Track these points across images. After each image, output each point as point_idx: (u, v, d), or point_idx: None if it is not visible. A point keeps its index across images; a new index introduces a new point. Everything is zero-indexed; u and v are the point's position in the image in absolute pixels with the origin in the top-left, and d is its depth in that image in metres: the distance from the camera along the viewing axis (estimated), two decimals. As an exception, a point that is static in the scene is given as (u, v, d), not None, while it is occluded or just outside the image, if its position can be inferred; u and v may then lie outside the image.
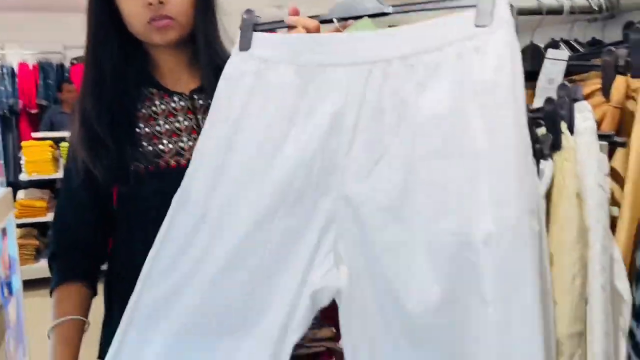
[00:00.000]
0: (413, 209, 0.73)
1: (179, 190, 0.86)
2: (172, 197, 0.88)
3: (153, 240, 0.89)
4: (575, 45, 1.06)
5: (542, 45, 1.05)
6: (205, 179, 0.84)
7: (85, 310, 1.06)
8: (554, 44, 1.04)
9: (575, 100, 0.81)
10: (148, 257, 0.86)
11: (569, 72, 0.99)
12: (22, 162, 4.49)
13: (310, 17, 0.87)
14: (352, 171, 0.77)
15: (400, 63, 0.75)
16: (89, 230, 1.09)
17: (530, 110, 0.83)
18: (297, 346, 2.19)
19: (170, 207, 0.86)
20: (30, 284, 2.66)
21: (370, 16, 0.82)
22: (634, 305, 0.79)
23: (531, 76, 1.07)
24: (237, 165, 0.84)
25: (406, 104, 0.74)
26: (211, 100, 0.88)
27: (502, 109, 0.69)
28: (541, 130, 0.83)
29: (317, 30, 0.86)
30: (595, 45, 1.07)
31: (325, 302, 0.79)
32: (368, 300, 0.77)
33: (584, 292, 0.79)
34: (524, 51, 1.02)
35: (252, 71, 0.83)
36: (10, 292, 2.26)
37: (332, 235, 0.79)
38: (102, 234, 1.10)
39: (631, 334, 0.77)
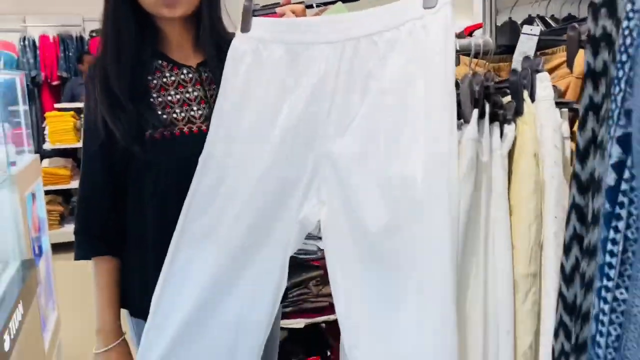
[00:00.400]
0: (373, 158, 0.93)
1: (205, 152, 1.03)
2: (184, 161, 1.05)
3: (168, 202, 1.09)
4: (549, 21, 1.15)
5: (519, 22, 1.15)
6: (222, 141, 1.03)
7: (118, 277, 1.20)
8: (529, 20, 1.14)
9: (537, 71, 0.92)
10: (187, 198, 1.04)
11: (542, 47, 1.08)
12: (45, 132, 4.68)
13: (296, 2, 1.04)
14: (331, 131, 0.96)
15: (366, 40, 0.93)
16: (110, 208, 1.18)
17: (497, 81, 0.94)
18: (304, 300, 2.34)
19: (199, 163, 1.03)
20: (55, 248, 2.83)
21: (343, 1, 1.01)
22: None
23: (510, 50, 1.17)
24: (245, 129, 1.02)
25: (371, 74, 0.92)
26: (214, 73, 1.05)
27: (437, 72, 0.87)
28: (507, 99, 0.95)
29: (303, 14, 1.03)
30: (569, 21, 1.16)
31: (310, 227, 1.02)
32: (342, 227, 0.97)
33: (538, 238, 0.91)
34: (502, 27, 1.13)
35: (251, 50, 0.99)
36: (41, 250, 2.45)
37: (316, 182, 0.99)
38: (120, 206, 1.20)
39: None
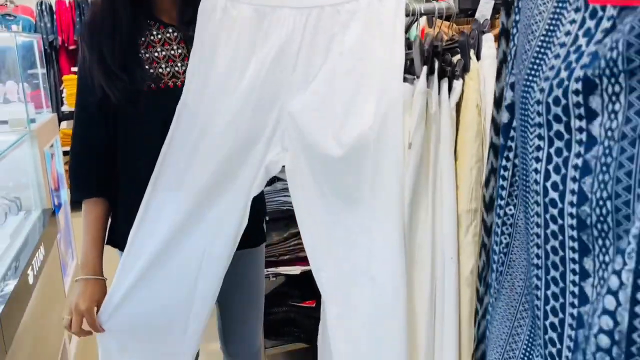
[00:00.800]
0: (331, 113, 1.07)
1: (180, 101, 1.14)
2: (170, 113, 1.15)
3: (155, 150, 1.18)
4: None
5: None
6: (194, 92, 1.14)
7: (105, 219, 1.31)
8: (490, -14, 1.25)
9: (483, 32, 1.04)
10: (164, 146, 1.15)
11: (498, 10, 1.20)
12: (63, 95, 4.86)
13: None
14: (294, 87, 1.10)
15: (330, 9, 1.06)
16: (105, 150, 1.27)
17: (447, 40, 1.07)
18: (300, 250, 2.50)
19: (176, 112, 1.14)
20: (73, 205, 2.99)
21: None
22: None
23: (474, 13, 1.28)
24: (215, 81, 1.13)
25: (333, 39, 1.07)
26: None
27: (389, 36, 1.01)
28: (457, 57, 1.07)
29: None
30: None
31: (275, 171, 1.15)
32: (303, 170, 1.12)
33: (479, 179, 1.05)
34: (466, -8, 1.24)
35: (221, 7, 1.11)
36: (60, 202, 2.64)
37: (279, 132, 1.14)
38: (114, 151, 1.28)
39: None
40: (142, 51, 1.23)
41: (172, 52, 1.24)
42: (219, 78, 1.12)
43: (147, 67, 1.22)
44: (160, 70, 1.23)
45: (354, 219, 1.09)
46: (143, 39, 1.24)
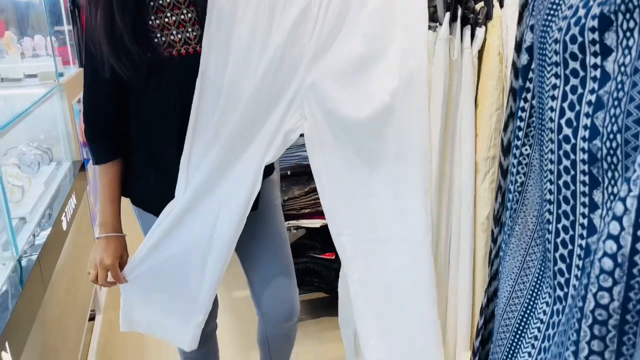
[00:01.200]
0: (351, 76, 1.08)
1: (200, 73, 1.15)
2: (182, 81, 1.17)
3: (170, 118, 1.21)
4: None
5: None
6: (215, 64, 1.15)
7: (120, 178, 1.34)
8: None
9: (507, -21, 1.04)
10: (190, 118, 1.19)
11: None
12: (87, 51, 4.89)
13: None
14: (314, 52, 1.11)
15: None
16: (118, 115, 1.27)
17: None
18: (320, 204, 2.56)
19: (197, 83, 1.16)
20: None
21: None
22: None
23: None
24: (237, 51, 1.14)
25: (351, 1, 1.07)
26: None
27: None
28: (480, 5, 1.08)
29: None
30: None
31: (293, 139, 1.18)
32: (324, 135, 1.15)
33: (498, 126, 1.07)
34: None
35: None
36: (88, 156, 2.72)
37: (299, 98, 1.15)
38: (125, 116, 1.29)
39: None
40: (152, 17, 1.19)
41: (182, 16, 1.20)
42: (240, 47, 1.12)
43: (158, 34, 1.19)
44: (172, 37, 1.19)
45: (377, 184, 1.11)
46: (152, 3, 1.20)
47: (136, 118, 1.28)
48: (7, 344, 1.14)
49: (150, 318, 1.41)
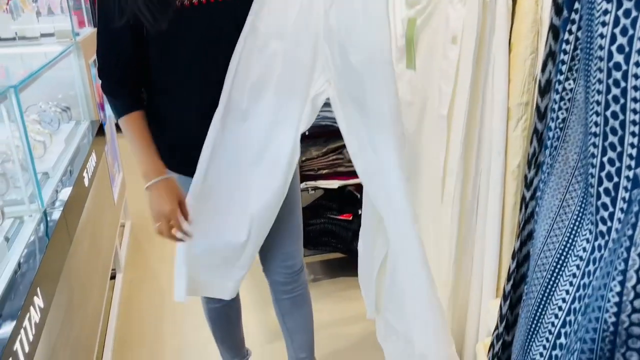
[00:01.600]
0: (364, 47, 1.10)
1: (248, 24, 1.18)
2: (204, 28, 1.17)
3: (191, 67, 1.22)
4: None
5: None
6: (251, 34, 1.19)
7: (145, 124, 1.32)
8: None
9: None
10: (226, 82, 1.22)
11: None
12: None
13: None
14: (338, 26, 1.13)
15: None
16: (133, 64, 1.25)
17: None
18: (338, 165, 2.59)
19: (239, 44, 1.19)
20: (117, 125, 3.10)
21: None
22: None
23: None
24: (268, 22, 1.17)
25: None
26: None
27: None
28: (516, -56, 1.04)
29: None
30: None
31: (320, 103, 1.22)
32: (346, 98, 1.19)
33: (532, 71, 1.04)
34: None
35: None
36: (105, 116, 2.72)
37: (320, 63, 1.20)
38: (143, 66, 1.27)
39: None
40: None
41: None
42: (272, 18, 1.17)
43: None
44: None
45: (367, 136, 1.20)
46: None
47: (156, 69, 1.27)
48: (38, 289, 1.16)
49: (198, 281, 1.44)
